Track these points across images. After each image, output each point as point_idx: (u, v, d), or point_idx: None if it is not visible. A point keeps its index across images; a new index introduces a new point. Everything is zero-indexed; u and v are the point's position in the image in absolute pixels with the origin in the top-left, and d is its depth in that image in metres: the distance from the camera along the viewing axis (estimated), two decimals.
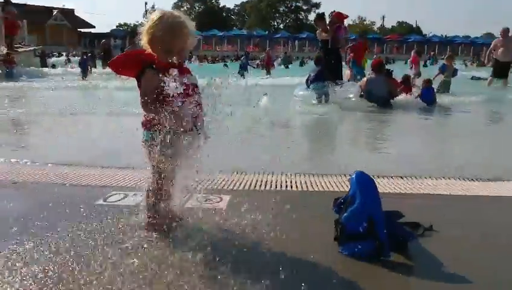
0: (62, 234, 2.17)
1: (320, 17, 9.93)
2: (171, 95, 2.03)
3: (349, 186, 2.19)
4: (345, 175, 3.31)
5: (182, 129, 2.05)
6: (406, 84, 9.65)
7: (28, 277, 1.76)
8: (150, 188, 2.22)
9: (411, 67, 15.18)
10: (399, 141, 5.75)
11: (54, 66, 21.37)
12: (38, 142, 5.24)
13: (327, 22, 9.68)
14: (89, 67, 16.94)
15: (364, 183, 2.06)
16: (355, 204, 2.03)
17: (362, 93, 8.71)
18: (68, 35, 48.35)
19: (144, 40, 2.13)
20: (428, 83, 9.28)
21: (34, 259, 1.91)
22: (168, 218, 2.22)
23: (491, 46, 12.45)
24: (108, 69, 16.12)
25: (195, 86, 2.19)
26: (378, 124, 7.18)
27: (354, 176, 2.10)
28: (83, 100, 9.63)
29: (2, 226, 2.33)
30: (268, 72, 19.09)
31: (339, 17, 9.80)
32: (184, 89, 2.08)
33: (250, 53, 29.82)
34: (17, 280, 1.74)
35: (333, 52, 9.43)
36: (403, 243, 2.11)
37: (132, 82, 2.19)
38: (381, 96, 8.50)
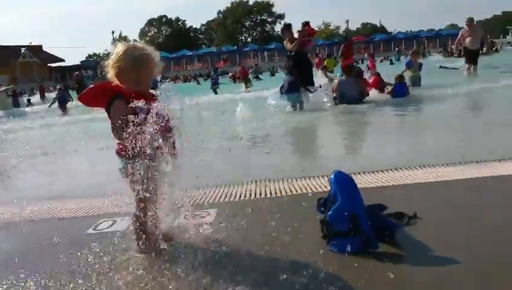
0: (58, 267, 2.19)
1: (287, 27, 9.96)
2: (139, 123, 2.08)
3: (329, 187, 2.29)
4: (326, 176, 3.41)
5: (156, 153, 2.12)
6: (379, 81, 9.97)
7: None
8: (135, 213, 2.27)
9: (368, 69, 14.33)
10: (375, 138, 5.92)
11: (29, 102, 20.99)
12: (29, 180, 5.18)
13: (295, 31, 9.76)
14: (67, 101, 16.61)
15: (342, 181, 2.14)
16: (337, 203, 2.10)
17: (335, 96, 8.89)
18: (38, 71, 47.75)
19: (110, 73, 2.22)
20: (400, 78, 9.59)
21: None
22: (157, 239, 2.27)
23: (459, 36, 12.86)
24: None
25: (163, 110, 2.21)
26: (354, 125, 7.36)
27: (332, 176, 2.18)
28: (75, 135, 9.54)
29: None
30: (247, 85, 19.32)
31: (310, 32, 10.04)
32: (151, 116, 2.12)
33: (218, 68, 30.01)
34: None
35: (302, 59, 9.49)
36: (389, 233, 2.19)
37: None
38: (352, 96, 8.72)
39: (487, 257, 1.97)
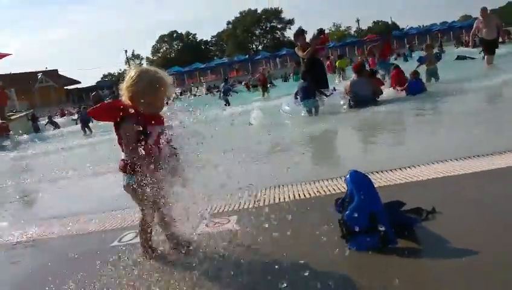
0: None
1: (301, 33, 9.70)
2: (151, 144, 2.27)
3: (345, 187, 2.32)
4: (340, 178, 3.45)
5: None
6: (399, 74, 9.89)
7: None
8: (140, 227, 2.42)
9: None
10: (392, 138, 5.89)
11: (52, 123, 21.40)
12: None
13: (308, 38, 9.60)
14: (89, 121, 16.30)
15: (359, 181, 2.17)
16: (354, 202, 2.13)
17: (349, 97, 8.84)
18: (56, 95, 48.98)
19: (124, 96, 2.31)
20: (415, 74, 9.50)
21: None
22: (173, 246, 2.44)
23: (474, 27, 12.63)
24: (103, 122, 16.39)
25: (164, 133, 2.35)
26: (371, 125, 7.26)
27: (348, 176, 2.21)
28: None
29: (36, 282, 2.46)
30: (265, 92, 19.03)
31: (324, 40, 9.97)
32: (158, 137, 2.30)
33: (229, 78, 30.16)
34: None
35: (315, 63, 9.43)
36: (408, 229, 2.21)
37: None
38: (366, 96, 8.68)
39: (506, 247, 1.96)
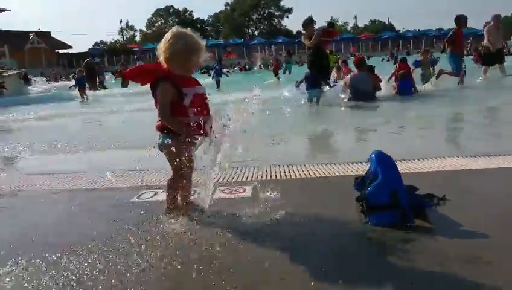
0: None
1: (309, 22, 9.66)
2: (187, 105, 2.33)
3: (368, 165, 2.46)
4: (351, 163, 3.63)
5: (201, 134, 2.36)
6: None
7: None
8: (169, 182, 2.51)
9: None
10: (393, 130, 6.05)
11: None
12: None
13: (317, 28, 9.63)
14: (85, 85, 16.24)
15: (384, 160, 2.32)
16: (378, 179, 2.27)
17: (349, 91, 8.98)
18: (46, 57, 47.90)
19: (161, 58, 2.37)
20: (403, 75, 9.66)
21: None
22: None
23: (486, 34, 11.98)
24: (96, 91, 16.05)
25: (204, 94, 2.45)
26: (376, 116, 7.44)
27: (373, 155, 2.35)
28: None
29: (69, 228, 2.58)
30: (276, 76, 20.07)
31: (333, 34, 10.10)
32: (198, 98, 2.38)
33: (221, 60, 29.96)
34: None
35: (321, 53, 9.48)
36: (423, 210, 2.37)
37: None
38: (366, 91, 8.83)
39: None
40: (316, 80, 8.91)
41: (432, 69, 11.52)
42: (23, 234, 2.49)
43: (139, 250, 2.11)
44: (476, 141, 4.80)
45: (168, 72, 2.36)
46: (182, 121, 2.33)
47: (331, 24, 9.92)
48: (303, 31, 9.70)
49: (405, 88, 9.42)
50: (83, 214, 2.81)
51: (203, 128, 2.35)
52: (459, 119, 6.77)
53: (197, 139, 2.40)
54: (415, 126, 6.29)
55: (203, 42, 2.44)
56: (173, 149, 2.36)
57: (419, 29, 63.37)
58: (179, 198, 2.54)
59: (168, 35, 2.37)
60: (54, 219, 2.76)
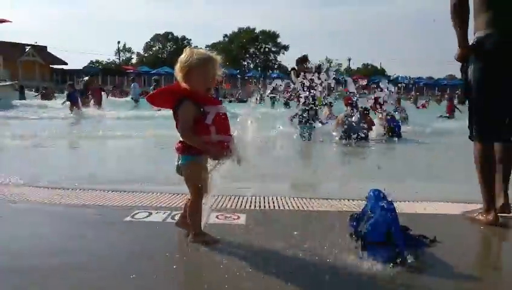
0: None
1: (304, 60, 9.82)
2: (209, 123, 2.35)
3: (365, 203, 2.53)
4: (348, 199, 3.70)
5: (223, 155, 2.39)
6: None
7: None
8: (191, 206, 2.47)
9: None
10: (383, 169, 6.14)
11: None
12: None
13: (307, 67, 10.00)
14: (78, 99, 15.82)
15: (382, 199, 2.39)
16: (375, 217, 2.33)
17: (342, 130, 9.15)
18: (40, 71, 47.89)
19: (179, 76, 2.42)
20: (392, 117, 10.19)
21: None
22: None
23: None
24: (87, 108, 15.79)
25: (225, 113, 2.47)
26: (366, 156, 7.61)
27: (372, 193, 2.43)
28: None
29: (58, 243, 2.54)
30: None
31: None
32: (220, 117, 2.41)
33: (219, 86, 30.53)
34: None
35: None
36: (416, 250, 2.42)
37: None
38: (356, 130, 9.00)
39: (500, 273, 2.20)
40: (308, 116, 9.05)
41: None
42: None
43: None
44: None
45: (189, 91, 2.39)
46: (205, 139, 2.35)
47: (319, 67, 10.42)
48: (295, 67, 9.97)
49: (395, 129, 9.69)
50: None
51: (226, 147, 2.38)
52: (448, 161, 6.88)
53: (222, 158, 2.41)
54: (404, 167, 6.41)
55: (218, 58, 2.50)
56: (194, 170, 2.39)
57: (410, 76, 65.15)
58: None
59: (185, 53, 2.43)
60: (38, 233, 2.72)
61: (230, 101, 26.55)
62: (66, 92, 17.16)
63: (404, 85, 53.56)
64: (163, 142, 6.77)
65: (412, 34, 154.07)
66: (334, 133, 9.07)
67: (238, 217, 3.04)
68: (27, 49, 48.27)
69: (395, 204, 2.43)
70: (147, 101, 2.56)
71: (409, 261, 2.27)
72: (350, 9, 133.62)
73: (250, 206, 3.39)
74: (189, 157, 2.40)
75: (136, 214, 3.06)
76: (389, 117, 10.05)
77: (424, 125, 12.14)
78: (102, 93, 18.60)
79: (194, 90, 2.39)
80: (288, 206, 3.46)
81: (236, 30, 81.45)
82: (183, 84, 2.42)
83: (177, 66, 2.43)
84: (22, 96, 20.18)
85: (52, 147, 7.40)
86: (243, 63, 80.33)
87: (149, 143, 8.46)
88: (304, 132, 8.86)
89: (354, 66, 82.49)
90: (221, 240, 2.51)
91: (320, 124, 9.21)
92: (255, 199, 3.58)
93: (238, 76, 57.14)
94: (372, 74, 72.29)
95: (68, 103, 15.79)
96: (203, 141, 2.35)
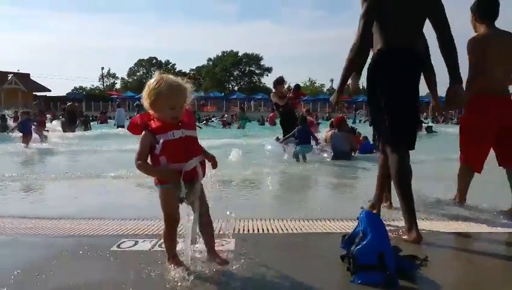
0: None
1: (281, 81, 10.21)
2: (157, 153, 2.30)
3: (356, 225, 2.51)
4: (336, 220, 3.69)
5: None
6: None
7: None
8: (163, 233, 2.44)
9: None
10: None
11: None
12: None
13: (286, 89, 10.28)
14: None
15: (374, 220, 2.38)
16: (367, 239, 2.30)
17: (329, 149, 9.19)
18: (23, 99, 47.28)
19: (146, 103, 2.33)
20: (365, 138, 10.48)
21: None
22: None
23: None
24: (70, 134, 15.40)
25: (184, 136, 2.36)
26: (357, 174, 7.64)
27: (363, 215, 2.41)
28: None
29: (37, 277, 2.42)
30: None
31: (301, 94, 11.30)
32: (172, 144, 2.32)
33: (195, 111, 30.88)
34: None
35: (292, 113, 10.12)
36: (408, 272, 2.39)
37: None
38: (343, 150, 9.04)
39: None
40: (308, 136, 9.02)
41: None
42: None
43: None
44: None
45: (145, 122, 2.35)
46: (151, 166, 2.33)
47: (298, 86, 11.08)
48: (273, 90, 10.21)
49: (367, 147, 9.89)
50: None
51: (190, 173, 2.31)
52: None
53: (178, 183, 2.31)
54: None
55: (188, 85, 2.41)
56: (162, 199, 2.36)
57: None
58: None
59: (151, 81, 2.36)
60: (25, 266, 2.61)
61: (206, 125, 26.51)
62: (19, 120, 14.84)
63: None
64: None
65: None
66: (325, 155, 9.04)
67: (228, 242, 2.97)
68: (9, 77, 47.79)
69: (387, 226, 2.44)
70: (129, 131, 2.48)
71: (400, 284, 2.24)
72: (332, 32, 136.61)
73: (239, 230, 3.33)
74: (158, 186, 2.38)
75: (123, 243, 2.97)
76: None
77: None
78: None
79: (151, 118, 2.35)
80: (277, 230, 3.41)
81: (220, 54, 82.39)
82: (150, 111, 2.36)
83: (145, 92, 2.34)
84: (4, 127, 17.39)
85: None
86: (227, 85, 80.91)
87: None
88: (302, 153, 8.72)
89: (336, 86, 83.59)
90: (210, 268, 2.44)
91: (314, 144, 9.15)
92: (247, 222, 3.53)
93: (223, 99, 57.52)
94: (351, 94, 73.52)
95: (18, 134, 13.75)
96: (155, 170, 2.32)
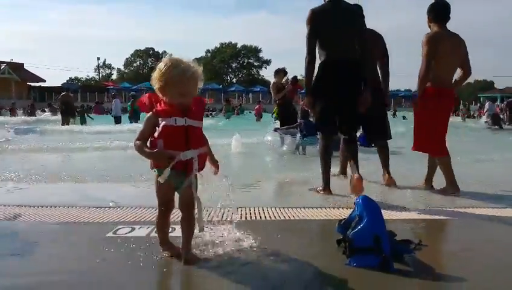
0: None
1: (282, 72, 10.12)
2: (155, 137, 2.25)
3: (352, 209, 2.53)
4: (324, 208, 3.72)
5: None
6: None
7: None
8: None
9: None
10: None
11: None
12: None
13: (285, 81, 10.24)
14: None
15: (370, 205, 2.39)
16: (363, 223, 2.32)
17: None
18: (17, 89, 47.01)
19: (156, 87, 2.26)
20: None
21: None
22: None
23: None
24: (68, 126, 15.09)
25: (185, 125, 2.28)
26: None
27: (360, 200, 2.42)
28: None
29: (38, 261, 2.45)
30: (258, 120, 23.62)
31: (298, 86, 11.35)
32: (171, 130, 2.25)
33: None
34: None
35: (289, 104, 10.10)
36: (401, 255, 2.41)
37: None
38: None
39: (482, 276, 2.23)
40: (314, 130, 8.78)
41: None
42: None
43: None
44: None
45: (158, 101, 2.30)
46: (145, 147, 2.23)
47: (295, 78, 11.12)
48: (275, 78, 10.13)
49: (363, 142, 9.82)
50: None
51: (175, 160, 2.21)
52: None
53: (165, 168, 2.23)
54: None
55: (200, 69, 2.35)
56: (156, 183, 2.31)
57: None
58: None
59: (161, 64, 2.28)
60: (21, 251, 2.61)
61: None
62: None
63: None
64: None
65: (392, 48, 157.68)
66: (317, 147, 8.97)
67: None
68: (2, 67, 47.41)
69: (382, 210, 2.45)
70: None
71: (395, 267, 2.26)
72: None
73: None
74: (155, 170, 2.33)
75: (119, 229, 2.97)
76: None
77: None
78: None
79: (159, 99, 2.29)
80: (275, 216, 3.42)
81: (218, 45, 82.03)
82: (160, 95, 2.29)
83: (154, 75, 2.27)
84: None
85: None
86: (225, 78, 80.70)
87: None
88: (306, 144, 8.67)
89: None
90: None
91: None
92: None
93: (221, 91, 57.36)
94: None
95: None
96: (148, 151, 2.21)
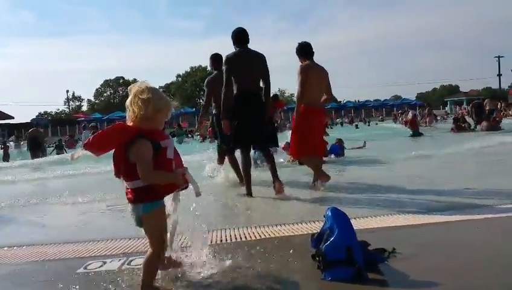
0: None
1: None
2: (171, 157, 2.26)
3: (323, 222, 2.51)
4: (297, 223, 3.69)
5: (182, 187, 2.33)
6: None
7: None
8: (150, 259, 2.26)
9: None
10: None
11: None
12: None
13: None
14: None
15: (340, 217, 2.40)
16: (334, 235, 2.33)
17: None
18: None
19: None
20: (339, 141, 10.55)
21: None
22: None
23: None
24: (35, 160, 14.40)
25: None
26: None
27: (329, 212, 2.43)
28: None
29: None
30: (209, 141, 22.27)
31: (280, 105, 11.93)
32: (175, 152, 2.35)
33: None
34: None
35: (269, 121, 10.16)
36: (375, 265, 2.43)
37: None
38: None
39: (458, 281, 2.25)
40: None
41: None
42: None
43: None
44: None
45: (140, 129, 2.17)
46: (164, 172, 2.20)
47: (276, 96, 11.44)
48: None
49: (336, 149, 10.01)
50: None
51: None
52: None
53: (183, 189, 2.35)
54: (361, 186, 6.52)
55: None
56: (160, 218, 2.24)
57: (358, 100, 67.90)
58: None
59: (138, 90, 2.19)
60: None
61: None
62: None
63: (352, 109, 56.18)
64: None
65: (358, 61, 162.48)
66: (281, 160, 8.98)
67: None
68: None
69: (353, 221, 2.46)
70: (87, 150, 2.18)
71: (369, 277, 2.26)
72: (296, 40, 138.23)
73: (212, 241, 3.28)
74: (154, 203, 2.20)
75: (89, 264, 2.87)
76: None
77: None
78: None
79: (137, 127, 2.19)
80: (251, 236, 3.38)
81: (188, 70, 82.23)
82: (132, 120, 2.21)
83: (135, 101, 2.17)
84: None
85: None
86: (198, 100, 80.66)
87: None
88: (257, 159, 8.70)
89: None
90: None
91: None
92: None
93: (194, 114, 57.16)
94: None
95: None
96: (171, 175, 2.22)
